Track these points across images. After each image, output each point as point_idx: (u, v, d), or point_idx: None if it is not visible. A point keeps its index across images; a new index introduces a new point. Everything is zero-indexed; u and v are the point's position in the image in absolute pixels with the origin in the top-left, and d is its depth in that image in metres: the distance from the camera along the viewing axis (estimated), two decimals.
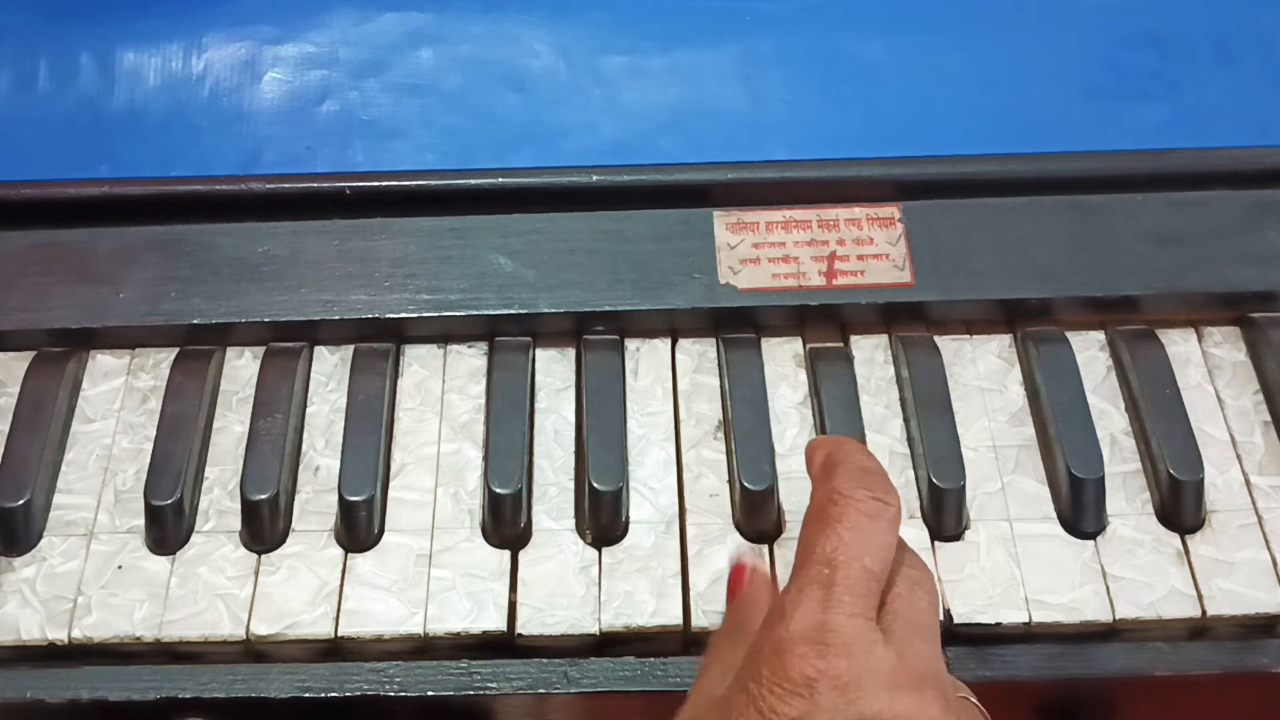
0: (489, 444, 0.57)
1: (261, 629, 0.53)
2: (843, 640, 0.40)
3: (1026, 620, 0.53)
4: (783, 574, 0.54)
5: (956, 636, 0.54)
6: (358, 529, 0.56)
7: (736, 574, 0.50)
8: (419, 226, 0.62)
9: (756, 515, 0.56)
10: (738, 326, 0.61)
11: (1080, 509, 0.56)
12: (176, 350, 0.61)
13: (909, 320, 0.61)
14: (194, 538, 0.56)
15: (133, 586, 0.55)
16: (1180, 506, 0.56)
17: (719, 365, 0.61)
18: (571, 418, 0.59)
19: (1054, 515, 0.56)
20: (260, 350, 0.61)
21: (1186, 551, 0.55)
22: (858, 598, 0.41)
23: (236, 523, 0.56)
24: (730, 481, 0.57)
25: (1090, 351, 0.61)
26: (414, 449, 0.58)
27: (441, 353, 0.61)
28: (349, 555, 0.55)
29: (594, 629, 0.53)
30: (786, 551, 0.55)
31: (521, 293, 0.61)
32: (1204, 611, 0.53)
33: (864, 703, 0.39)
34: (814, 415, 0.59)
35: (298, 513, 0.57)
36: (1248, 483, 0.57)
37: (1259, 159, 0.63)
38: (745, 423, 0.58)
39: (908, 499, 0.57)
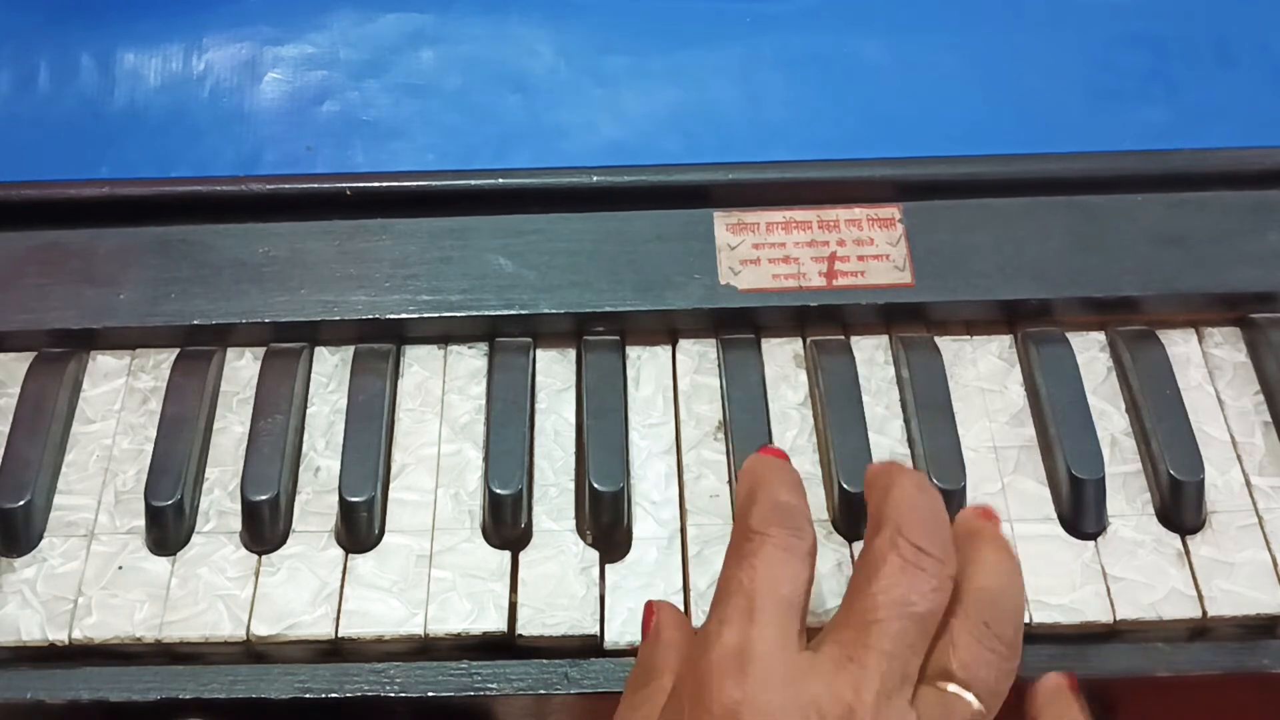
0: (489, 445, 0.58)
1: (262, 630, 0.53)
2: (764, 667, 0.39)
3: (1027, 621, 0.53)
4: None
5: None
6: (358, 530, 0.56)
7: (646, 614, 0.50)
8: (419, 227, 0.62)
9: None
10: (738, 327, 0.61)
11: (1081, 510, 0.56)
12: (177, 351, 0.61)
13: (909, 321, 0.61)
14: (194, 538, 0.56)
15: (133, 587, 0.55)
16: (1181, 507, 0.56)
17: (719, 366, 0.61)
18: (572, 418, 0.59)
19: (1054, 516, 0.56)
20: (261, 351, 0.61)
21: (1187, 552, 0.55)
22: (777, 626, 0.41)
23: (237, 523, 0.56)
24: (730, 482, 0.57)
25: (1090, 352, 0.61)
26: (414, 450, 0.58)
27: (442, 353, 0.61)
28: (349, 556, 0.55)
29: (594, 630, 0.53)
30: None
31: (522, 293, 0.61)
32: (1205, 612, 0.53)
33: None
34: (814, 414, 0.59)
35: (298, 513, 0.57)
36: (1248, 483, 0.57)
37: (1259, 159, 0.63)
38: (745, 424, 0.58)
39: None
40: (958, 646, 0.42)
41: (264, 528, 0.56)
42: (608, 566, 0.55)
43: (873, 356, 0.61)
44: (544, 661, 0.53)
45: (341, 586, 0.55)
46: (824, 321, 0.61)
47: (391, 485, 0.57)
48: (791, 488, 0.47)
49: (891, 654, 0.41)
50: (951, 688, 0.42)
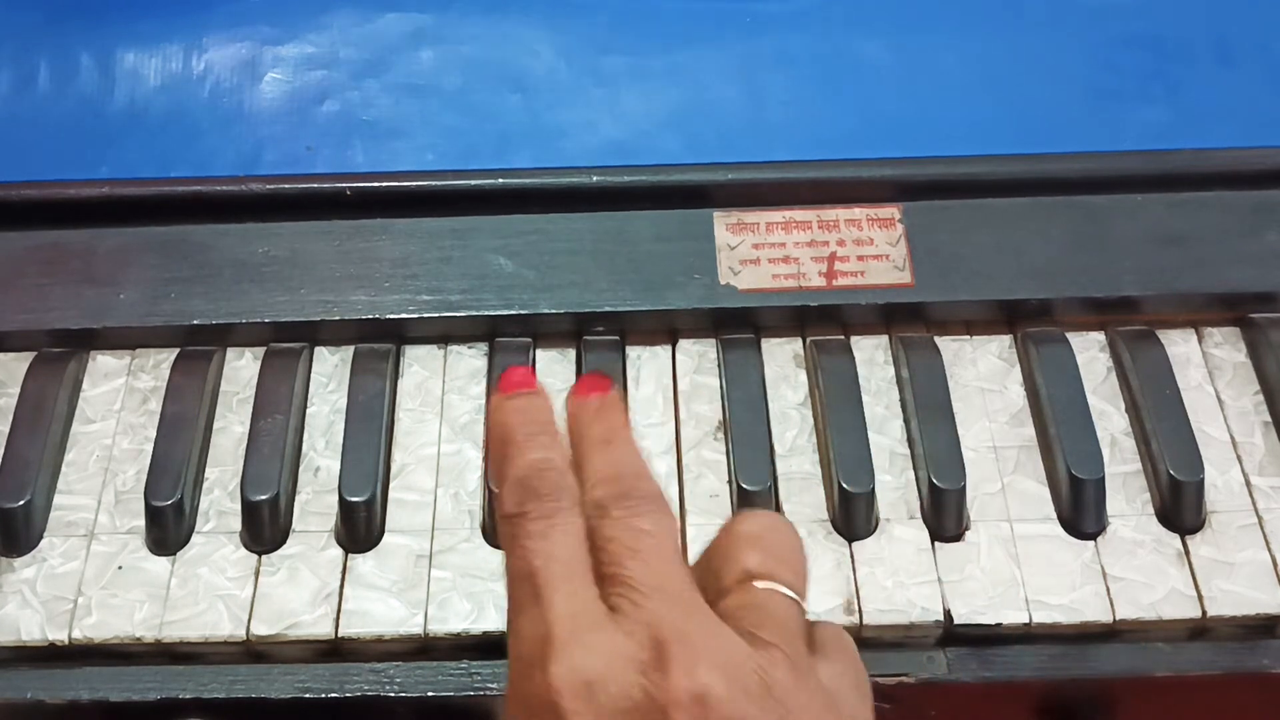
0: (489, 445, 0.57)
1: (262, 630, 0.53)
2: (566, 640, 0.38)
3: (1027, 621, 0.53)
4: None
5: (957, 637, 0.54)
6: (358, 530, 0.56)
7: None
8: (419, 227, 0.62)
9: None
10: (738, 327, 0.61)
11: (1080, 510, 0.56)
12: (177, 351, 0.61)
13: (909, 321, 0.61)
14: (194, 538, 0.56)
15: (133, 587, 0.55)
16: (1180, 507, 0.56)
17: (719, 366, 0.61)
18: None
19: (1054, 516, 0.56)
20: (260, 351, 0.61)
21: (1187, 552, 0.55)
22: (565, 594, 0.39)
23: (237, 523, 0.56)
24: (730, 482, 0.57)
25: (1090, 352, 0.61)
26: (414, 449, 0.58)
27: (442, 353, 0.61)
28: (349, 556, 0.55)
29: None
30: None
31: (522, 293, 0.61)
32: (1204, 612, 0.53)
33: (608, 692, 0.36)
34: (814, 414, 0.59)
35: (298, 513, 0.57)
36: (1248, 483, 0.57)
37: (1259, 159, 0.63)
38: (744, 424, 0.58)
39: (908, 499, 0.57)
40: (740, 545, 0.40)
41: (264, 528, 0.56)
42: None
43: (873, 356, 0.61)
44: None
45: (341, 586, 0.55)
46: (824, 321, 0.61)
47: (391, 485, 0.57)
48: (536, 435, 0.43)
49: (666, 588, 0.39)
50: (758, 584, 0.40)
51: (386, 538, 0.56)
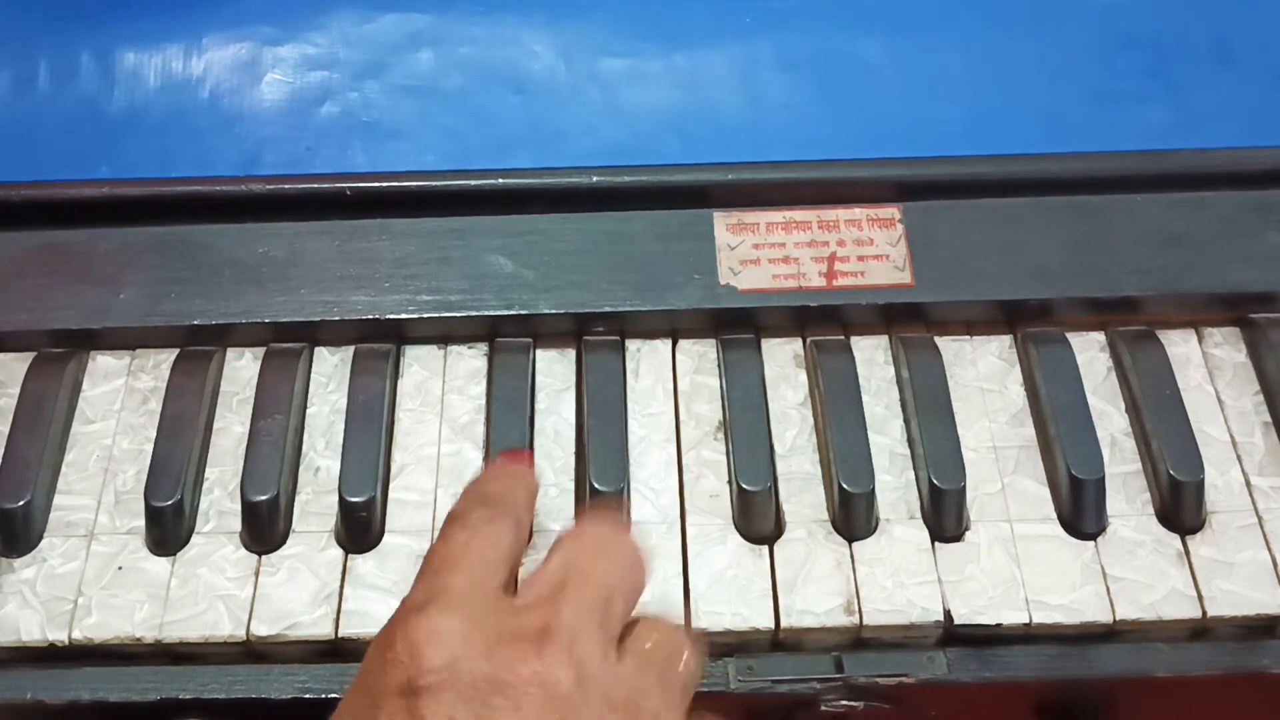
0: (489, 445, 0.58)
1: (262, 630, 0.53)
2: (450, 602, 0.39)
3: (1027, 621, 0.53)
4: (781, 574, 0.54)
5: (957, 637, 0.54)
6: (358, 530, 0.56)
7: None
8: (419, 227, 0.62)
9: (755, 516, 0.56)
10: (738, 327, 0.61)
11: (1080, 510, 0.56)
12: (177, 351, 0.61)
13: (909, 321, 0.61)
14: (194, 539, 0.56)
15: (133, 587, 0.55)
16: (1180, 507, 0.56)
17: (719, 366, 0.61)
18: (572, 418, 0.59)
19: (1054, 516, 0.56)
20: (260, 351, 0.61)
21: (1187, 552, 0.55)
22: (469, 575, 0.40)
23: (237, 524, 0.56)
24: (730, 482, 0.57)
25: (1090, 352, 0.61)
26: (414, 450, 0.58)
27: (442, 353, 0.61)
28: (349, 556, 0.55)
29: None
30: (787, 552, 0.55)
31: (522, 293, 0.61)
32: (1204, 612, 0.53)
33: (472, 643, 0.38)
34: (814, 414, 0.59)
35: (298, 514, 0.57)
36: (1248, 483, 0.57)
37: (1259, 159, 0.63)
38: (744, 424, 0.58)
39: (908, 500, 0.57)
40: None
41: (264, 528, 0.56)
42: None
43: (873, 356, 0.61)
44: None
45: (341, 586, 0.55)
46: (824, 321, 0.61)
47: (391, 485, 0.57)
48: (508, 476, 0.46)
49: (589, 605, 0.40)
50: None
51: (386, 538, 0.56)
